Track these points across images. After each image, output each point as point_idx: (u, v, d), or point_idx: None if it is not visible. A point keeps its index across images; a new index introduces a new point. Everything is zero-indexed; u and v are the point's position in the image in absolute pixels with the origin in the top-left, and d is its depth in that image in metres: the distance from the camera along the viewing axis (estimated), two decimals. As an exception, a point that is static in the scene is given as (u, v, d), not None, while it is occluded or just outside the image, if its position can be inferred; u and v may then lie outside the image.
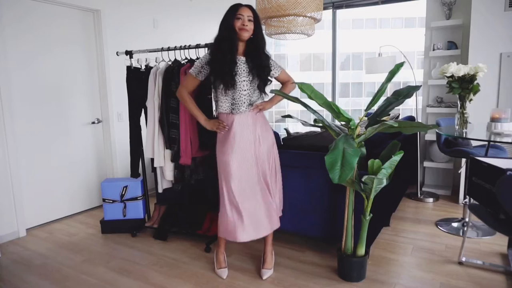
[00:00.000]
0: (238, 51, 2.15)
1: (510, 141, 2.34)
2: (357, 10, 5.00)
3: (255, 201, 2.17)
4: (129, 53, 2.94)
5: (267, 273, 2.28)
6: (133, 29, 3.91)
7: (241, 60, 2.16)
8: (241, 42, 2.14)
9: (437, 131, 2.97)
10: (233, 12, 2.08)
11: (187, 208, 2.97)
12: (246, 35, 2.09)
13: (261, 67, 2.17)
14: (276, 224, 2.27)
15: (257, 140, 2.20)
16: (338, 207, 2.37)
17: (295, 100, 2.14)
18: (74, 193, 3.54)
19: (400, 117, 3.85)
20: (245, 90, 2.15)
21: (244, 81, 2.14)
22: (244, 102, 2.16)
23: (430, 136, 3.92)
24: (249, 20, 2.08)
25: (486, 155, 2.68)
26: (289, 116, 2.32)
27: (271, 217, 2.23)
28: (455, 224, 3.01)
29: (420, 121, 4.05)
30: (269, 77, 2.25)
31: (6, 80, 2.90)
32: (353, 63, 21.70)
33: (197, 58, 2.65)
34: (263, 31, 2.22)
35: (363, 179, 1.96)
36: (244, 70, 2.15)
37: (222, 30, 2.11)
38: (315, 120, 2.21)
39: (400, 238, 2.80)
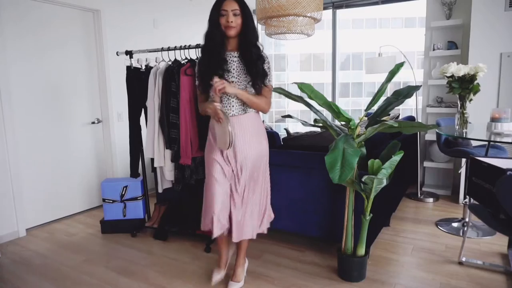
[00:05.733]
0: (230, 47, 2.00)
1: (510, 141, 2.34)
2: (357, 10, 5.00)
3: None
4: (129, 53, 2.94)
5: (234, 286, 2.12)
6: (133, 29, 3.92)
7: (233, 55, 1.99)
8: (231, 38, 1.97)
9: (437, 131, 2.97)
10: (217, 7, 1.92)
11: (187, 208, 2.97)
12: (232, 32, 1.92)
13: (251, 62, 1.96)
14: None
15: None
16: (338, 207, 2.37)
17: (299, 99, 2.14)
18: (74, 193, 3.54)
19: (400, 117, 3.85)
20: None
21: (233, 81, 1.96)
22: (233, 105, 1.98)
23: (430, 136, 3.92)
24: (235, 15, 1.90)
25: (486, 155, 2.68)
26: (289, 116, 2.32)
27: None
28: (455, 224, 3.01)
29: (420, 121, 4.04)
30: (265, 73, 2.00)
31: (6, 80, 2.90)
32: (353, 63, 21.72)
33: (197, 58, 2.66)
34: (256, 24, 2.04)
35: (363, 179, 1.96)
36: (237, 67, 1.98)
37: (208, 28, 1.97)
38: (315, 120, 2.21)
39: (400, 238, 2.80)
